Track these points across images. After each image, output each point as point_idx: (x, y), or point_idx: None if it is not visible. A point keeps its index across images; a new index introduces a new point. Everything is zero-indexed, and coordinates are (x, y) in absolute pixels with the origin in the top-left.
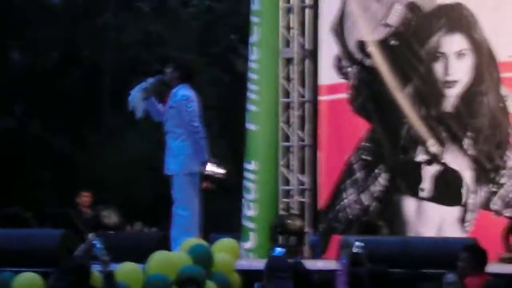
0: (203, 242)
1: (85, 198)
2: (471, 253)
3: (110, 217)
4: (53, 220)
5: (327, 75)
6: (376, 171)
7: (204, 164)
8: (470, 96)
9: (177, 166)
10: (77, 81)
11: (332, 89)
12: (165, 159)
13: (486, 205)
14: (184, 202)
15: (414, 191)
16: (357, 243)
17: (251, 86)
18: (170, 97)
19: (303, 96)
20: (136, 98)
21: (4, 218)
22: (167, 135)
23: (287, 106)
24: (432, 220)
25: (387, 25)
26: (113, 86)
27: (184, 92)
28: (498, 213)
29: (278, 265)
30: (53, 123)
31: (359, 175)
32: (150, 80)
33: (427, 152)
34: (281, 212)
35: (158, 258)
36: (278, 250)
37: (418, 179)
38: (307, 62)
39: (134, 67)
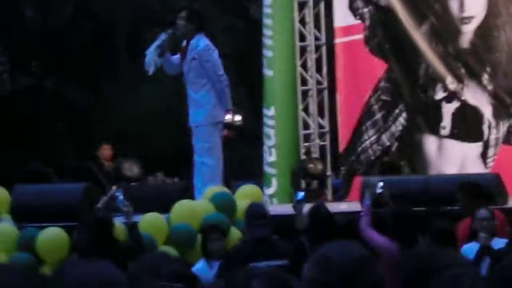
0: (225, 189)
1: (105, 150)
2: (465, 191)
3: (132, 168)
4: (74, 174)
5: (342, 17)
6: (396, 111)
7: (228, 112)
8: (486, 31)
9: (202, 117)
10: (91, 35)
11: (348, 30)
12: (189, 110)
13: (507, 140)
14: (210, 151)
15: (434, 129)
16: (379, 184)
17: (266, 32)
18: (188, 49)
19: (319, 39)
20: (152, 57)
21: (26, 173)
22: (189, 86)
23: (304, 50)
24: (453, 158)
25: None
26: (127, 39)
27: (205, 42)
28: None
29: (254, 213)
30: (69, 78)
31: (378, 115)
32: (163, 36)
33: (446, 89)
34: (302, 157)
35: (181, 207)
36: (300, 194)
37: (438, 117)
38: (321, 4)
39: (147, 19)
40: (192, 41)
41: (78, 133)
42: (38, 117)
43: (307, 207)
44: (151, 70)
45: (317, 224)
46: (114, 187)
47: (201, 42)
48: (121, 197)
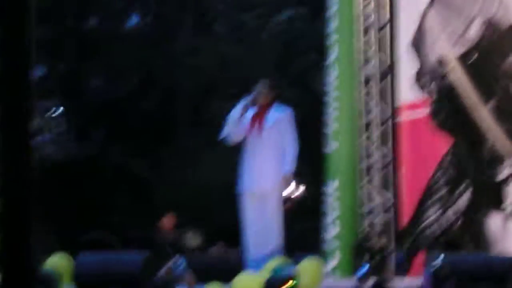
0: (288, 261)
1: (168, 220)
2: None
3: (194, 238)
4: (137, 244)
5: (407, 92)
6: (461, 187)
7: (289, 179)
8: None
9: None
10: (155, 105)
11: (413, 106)
12: (249, 178)
13: None
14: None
15: (499, 207)
16: (439, 257)
17: (331, 105)
18: (266, 116)
19: (384, 114)
20: (235, 121)
21: (89, 242)
22: (264, 151)
23: (368, 124)
24: None
25: (467, 40)
26: (191, 110)
27: (289, 109)
28: None
29: None
30: (132, 148)
31: (443, 191)
32: (245, 100)
33: (511, 167)
34: (365, 231)
35: (243, 278)
36: (364, 268)
37: (502, 194)
38: (386, 79)
39: (212, 91)
40: (271, 108)
41: (141, 202)
42: (101, 185)
43: (370, 282)
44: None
45: None
46: (176, 256)
47: (283, 108)
48: (183, 266)
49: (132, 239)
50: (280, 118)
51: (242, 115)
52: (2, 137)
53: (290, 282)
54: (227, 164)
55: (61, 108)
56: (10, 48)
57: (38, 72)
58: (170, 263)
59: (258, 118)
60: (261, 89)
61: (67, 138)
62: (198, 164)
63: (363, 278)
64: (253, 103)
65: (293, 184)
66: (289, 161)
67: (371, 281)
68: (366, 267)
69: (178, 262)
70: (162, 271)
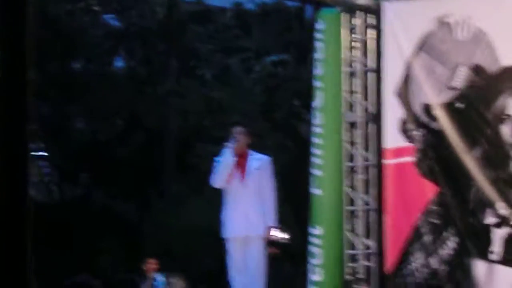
0: None
1: (150, 265)
2: None
3: (177, 284)
4: (120, 287)
5: (392, 138)
6: (445, 234)
7: (270, 229)
8: None
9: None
10: (140, 148)
11: (397, 152)
12: (231, 222)
13: None
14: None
15: (483, 254)
16: None
17: (315, 151)
18: (248, 162)
19: (367, 160)
20: (227, 166)
21: (74, 286)
22: (246, 197)
23: (351, 170)
24: (503, 284)
25: (452, 88)
26: (176, 153)
27: (268, 157)
28: None
29: None
30: (117, 190)
31: (427, 238)
32: (228, 148)
33: (496, 214)
34: (347, 277)
35: None
36: None
37: (487, 242)
38: (370, 125)
39: (198, 134)
40: (250, 153)
41: (126, 246)
42: (86, 228)
43: None
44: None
45: None
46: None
47: (264, 155)
48: (162, 281)
49: (115, 283)
50: (261, 165)
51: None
52: None
53: None
54: (213, 208)
55: (45, 151)
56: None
57: None
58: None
59: (240, 164)
60: (237, 136)
61: (51, 180)
62: (183, 207)
63: None
64: (233, 150)
65: (277, 230)
66: (270, 212)
67: None
68: None
69: (157, 278)
70: None
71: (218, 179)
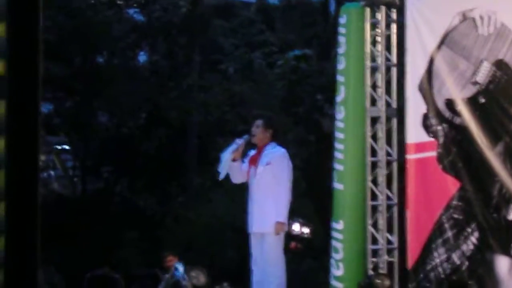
0: None
1: (170, 262)
2: None
3: (199, 277)
4: (141, 281)
5: (415, 133)
6: (468, 230)
7: (285, 224)
8: None
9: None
10: (163, 142)
11: (420, 147)
12: (252, 218)
13: None
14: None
15: (506, 250)
16: None
17: (338, 145)
18: (261, 155)
19: (390, 155)
20: (226, 160)
21: (94, 279)
22: (259, 192)
23: (374, 165)
24: None
25: (475, 83)
26: (198, 147)
27: (282, 149)
28: None
29: None
30: (140, 184)
31: (450, 234)
32: (239, 141)
33: None
34: (369, 272)
35: None
36: None
37: (510, 237)
38: (393, 120)
39: (219, 128)
40: (266, 147)
41: (146, 239)
42: (108, 221)
43: None
44: (223, 174)
45: None
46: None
47: (278, 148)
48: (181, 269)
49: (136, 277)
50: (272, 160)
51: (235, 156)
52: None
53: None
54: (234, 202)
55: (68, 144)
56: (18, 83)
57: (45, 108)
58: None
59: (255, 159)
60: (255, 129)
61: (74, 174)
62: (205, 201)
63: None
64: (251, 143)
65: (298, 225)
66: (281, 206)
67: None
68: None
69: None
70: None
71: (222, 173)
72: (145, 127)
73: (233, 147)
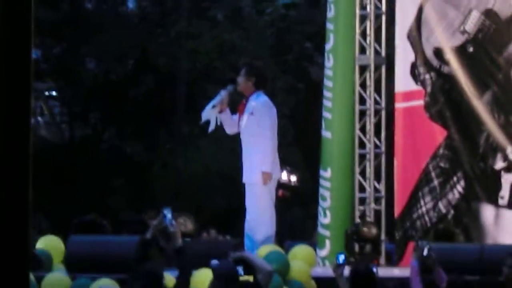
0: (279, 249)
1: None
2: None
3: (186, 224)
4: (129, 227)
5: (403, 82)
6: (454, 178)
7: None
8: None
9: (256, 174)
10: (151, 89)
11: (408, 96)
12: (243, 167)
13: None
14: (263, 210)
15: (492, 199)
16: (426, 246)
17: (327, 94)
18: (247, 105)
19: (378, 103)
20: (210, 111)
21: (82, 225)
22: (244, 143)
23: (363, 114)
24: (510, 228)
25: (464, 32)
26: (187, 94)
27: (263, 98)
28: None
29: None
30: (127, 130)
31: (436, 182)
32: (223, 91)
33: (506, 159)
34: (357, 220)
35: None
36: (341, 257)
37: (497, 186)
38: (382, 69)
39: (208, 75)
40: (251, 97)
41: (134, 186)
42: (95, 168)
43: (346, 269)
44: (211, 127)
45: (357, 285)
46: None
47: (260, 98)
48: (169, 216)
49: (124, 223)
50: (254, 109)
51: (221, 107)
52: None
53: None
54: (222, 150)
55: (55, 91)
56: (9, 29)
57: (33, 54)
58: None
59: (241, 109)
60: (239, 78)
61: (61, 120)
62: (193, 149)
63: (339, 267)
64: (234, 91)
65: (285, 172)
66: (266, 156)
67: (347, 268)
68: (343, 257)
69: (164, 212)
70: (153, 224)
71: (203, 118)
72: (133, 74)
73: (217, 98)
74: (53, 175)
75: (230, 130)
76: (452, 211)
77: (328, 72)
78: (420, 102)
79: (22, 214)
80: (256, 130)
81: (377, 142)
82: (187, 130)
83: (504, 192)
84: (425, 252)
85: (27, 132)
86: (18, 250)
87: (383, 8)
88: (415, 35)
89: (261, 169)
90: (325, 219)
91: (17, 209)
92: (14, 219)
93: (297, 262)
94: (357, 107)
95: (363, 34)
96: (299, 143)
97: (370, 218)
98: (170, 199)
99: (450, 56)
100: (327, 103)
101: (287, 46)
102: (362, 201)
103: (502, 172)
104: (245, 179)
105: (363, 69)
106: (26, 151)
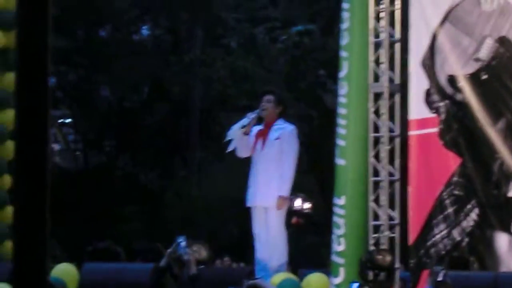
0: (292, 276)
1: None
2: None
3: (200, 252)
4: (143, 255)
5: (417, 109)
6: (468, 206)
7: (287, 199)
8: None
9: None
10: (165, 116)
11: (422, 123)
12: (255, 191)
13: None
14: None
15: (506, 227)
16: (441, 272)
17: (340, 121)
18: (270, 130)
19: (392, 131)
20: (238, 132)
21: (96, 252)
22: (263, 166)
23: (377, 141)
24: None
25: (478, 60)
26: (201, 122)
27: (293, 127)
28: None
29: None
30: (142, 158)
31: (450, 210)
32: (251, 114)
33: None
34: (371, 248)
35: None
36: (355, 285)
37: (510, 214)
38: (396, 96)
39: (222, 103)
40: (275, 123)
41: (148, 213)
42: (110, 195)
43: None
44: (231, 146)
45: None
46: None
47: (288, 125)
48: (183, 244)
49: (139, 251)
50: (281, 135)
51: (246, 130)
52: (19, 144)
53: None
54: (236, 177)
55: (71, 118)
56: (27, 55)
57: None
58: (169, 250)
59: (263, 134)
60: (265, 103)
61: (76, 147)
62: (206, 176)
63: None
64: (259, 118)
65: (300, 200)
66: (285, 181)
67: None
68: (356, 285)
69: (178, 241)
70: (165, 257)
71: (230, 145)
72: (147, 102)
73: (244, 120)
74: (67, 202)
75: (244, 153)
76: (466, 239)
77: (342, 100)
78: (434, 130)
79: (41, 244)
80: (279, 155)
81: (391, 169)
82: (200, 157)
83: None
84: (440, 277)
85: (46, 163)
86: (37, 280)
87: (397, 35)
88: (429, 63)
89: (279, 193)
90: (339, 246)
91: (36, 238)
92: (33, 249)
93: None
94: (371, 135)
95: (377, 62)
96: (313, 170)
97: (384, 245)
98: (184, 227)
99: (464, 84)
100: (341, 131)
101: (300, 74)
102: (376, 228)
103: None
104: (261, 202)
105: (377, 96)
106: (44, 180)
